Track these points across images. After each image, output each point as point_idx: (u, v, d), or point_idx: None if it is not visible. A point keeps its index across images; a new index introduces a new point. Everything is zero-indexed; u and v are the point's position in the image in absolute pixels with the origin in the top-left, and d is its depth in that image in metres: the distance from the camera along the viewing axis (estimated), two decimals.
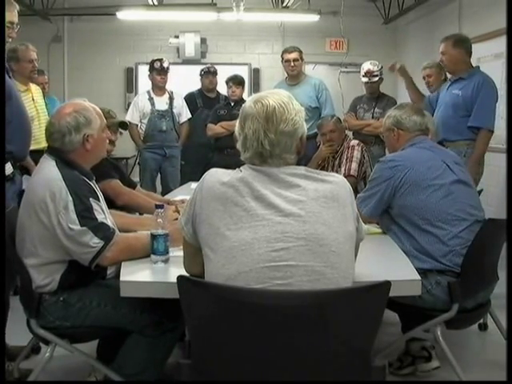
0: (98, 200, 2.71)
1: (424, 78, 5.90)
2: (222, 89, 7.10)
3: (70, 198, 2.57)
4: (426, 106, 5.09)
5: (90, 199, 2.63)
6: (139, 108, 6.84)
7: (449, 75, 5.45)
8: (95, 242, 2.57)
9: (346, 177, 4.72)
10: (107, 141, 2.97)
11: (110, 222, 2.71)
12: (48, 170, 2.69)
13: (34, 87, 5.26)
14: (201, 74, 7.31)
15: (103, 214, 2.68)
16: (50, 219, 2.58)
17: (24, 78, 5.07)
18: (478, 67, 5.09)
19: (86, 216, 2.58)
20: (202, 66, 7.46)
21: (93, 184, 2.80)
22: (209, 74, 7.25)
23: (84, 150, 2.77)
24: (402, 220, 3.14)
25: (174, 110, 6.89)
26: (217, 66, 7.49)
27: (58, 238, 2.59)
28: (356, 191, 3.58)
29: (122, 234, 2.71)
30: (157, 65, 6.78)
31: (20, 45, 5.06)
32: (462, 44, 4.95)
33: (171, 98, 6.90)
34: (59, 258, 2.65)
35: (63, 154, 2.75)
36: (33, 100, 5.12)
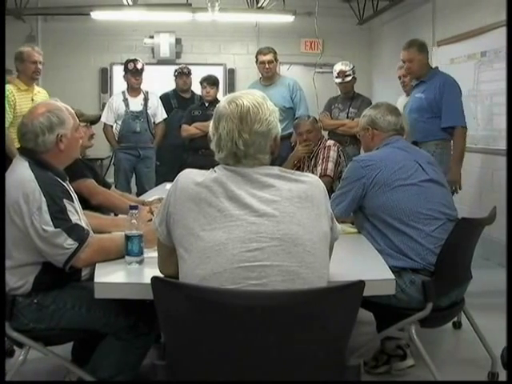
0: (72, 201, 2.69)
1: (399, 77, 5.92)
2: (197, 89, 7.07)
3: (44, 199, 2.55)
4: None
5: (64, 200, 2.61)
6: (113, 109, 6.80)
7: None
8: (69, 243, 2.55)
9: (322, 177, 4.73)
10: (80, 141, 2.94)
11: (83, 222, 2.70)
12: (21, 172, 2.66)
13: (37, 89, 5.55)
14: (175, 75, 7.28)
15: (77, 215, 2.67)
16: (24, 221, 2.56)
17: (26, 79, 5.38)
18: (437, 68, 5.19)
19: (59, 217, 2.56)
20: (177, 67, 7.43)
21: (66, 185, 2.78)
22: (182, 74, 7.23)
23: (58, 150, 2.75)
24: (375, 219, 3.16)
25: (149, 111, 6.86)
26: (192, 67, 7.47)
27: (32, 240, 2.56)
28: (332, 191, 3.59)
29: (96, 235, 2.70)
30: (131, 66, 6.74)
31: (27, 46, 5.45)
32: (425, 47, 5.07)
33: (146, 99, 6.86)
34: (33, 259, 2.63)
35: (36, 154, 2.73)
36: (32, 100, 5.28)
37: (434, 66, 5.29)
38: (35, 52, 5.43)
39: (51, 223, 2.54)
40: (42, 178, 2.62)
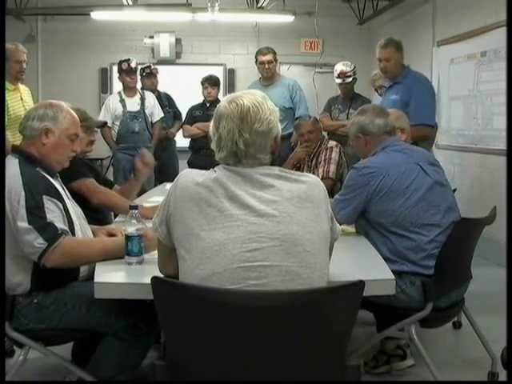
0: (56, 197, 2.68)
1: (377, 90, 5.89)
2: (198, 89, 7.03)
3: (23, 193, 2.57)
4: None
5: (44, 196, 2.61)
6: (110, 110, 6.78)
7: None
8: (39, 242, 2.55)
9: (323, 179, 4.69)
10: (70, 151, 2.91)
11: (65, 221, 2.68)
12: (9, 168, 2.69)
13: (22, 87, 5.30)
14: (142, 75, 7.15)
15: (58, 212, 2.66)
16: (8, 215, 2.58)
17: (11, 78, 5.11)
18: (409, 67, 5.09)
19: (34, 213, 2.57)
20: (144, 66, 7.34)
21: (56, 181, 2.80)
22: (151, 75, 7.19)
23: (40, 142, 2.78)
24: (378, 225, 3.13)
25: (146, 111, 6.86)
26: (192, 67, 7.49)
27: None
28: (333, 193, 3.57)
29: (71, 237, 2.67)
30: (125, 66, 6.73)
31: (10, 44, 5.07)
32: (402, 47, 4.99)
33: (143, 99, 6.86)
34: (22, 252, 2.62)
35: (24, 148, 2.79)
36: (21, 99, 5.15)
37: (406, 65, 5.13)
38: (19, 51, 5.15)
39: (25, 218, 2.55)
40: (27, 174, 2.65)
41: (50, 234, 2.57)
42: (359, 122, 3.38)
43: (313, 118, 5.38)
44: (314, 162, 5.16)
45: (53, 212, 2.63)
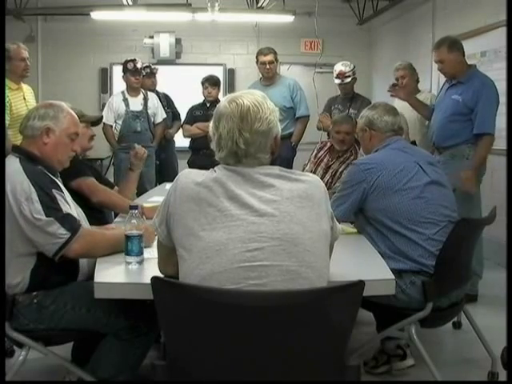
0: (62, 191, 2.71)
1: (397, 79, 5.83)
2: (199, 89, 7.03)
3: (33, 189, 2.58)
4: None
5: (53, 190, 2.64)
6: (113, 109, 6.76)
7: (439, 76, 5.36)
8: (62, 232, 2.56)
9: None
10: (71, 151, 2.93)
11: (75, 213, 2.72)
12: (10, 166, 2.69)
13: (25, 87, 5.31)
14: (142, 74, 7.01)
15: (67, 204, 2.68)
16: (12, 211, 2.58)
17: (16, 77, 5.13)
18: (475, 66, 4.92)
19: (51, 206, 2.59)
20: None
21: (56, 179, 2.81)
22: (151, 75, 7.17)
23: (42, 141, 2.80)
24: (376, 222, 3.15)
25: (149, 111, 6.84)
26: (192, 67, 7.47)
27: (22, 229, 2.58)
28: None
29: (87, 228, 2.71)
30: (130, 66, 6.71)
31: (11, 44, 5.11)
32: (457, 45, 4.79)
33: (146, 99, 6.85)
34: (25, 250, 2.63)
35: (25, 147, 2.80)
36: (24, 99, 5.16)
37: (472, 64, 4.96)
38: (22, 49, 5.18)
39: (42, 212, 2.56)
40: (29, 170, 2.66)
41: (71, 224, 2.61)
42: (368, 116, 3.44)
43: (354, 121, 5.20)
44: (336, 165, 4.97)
45: (64, 204, 2.66)
